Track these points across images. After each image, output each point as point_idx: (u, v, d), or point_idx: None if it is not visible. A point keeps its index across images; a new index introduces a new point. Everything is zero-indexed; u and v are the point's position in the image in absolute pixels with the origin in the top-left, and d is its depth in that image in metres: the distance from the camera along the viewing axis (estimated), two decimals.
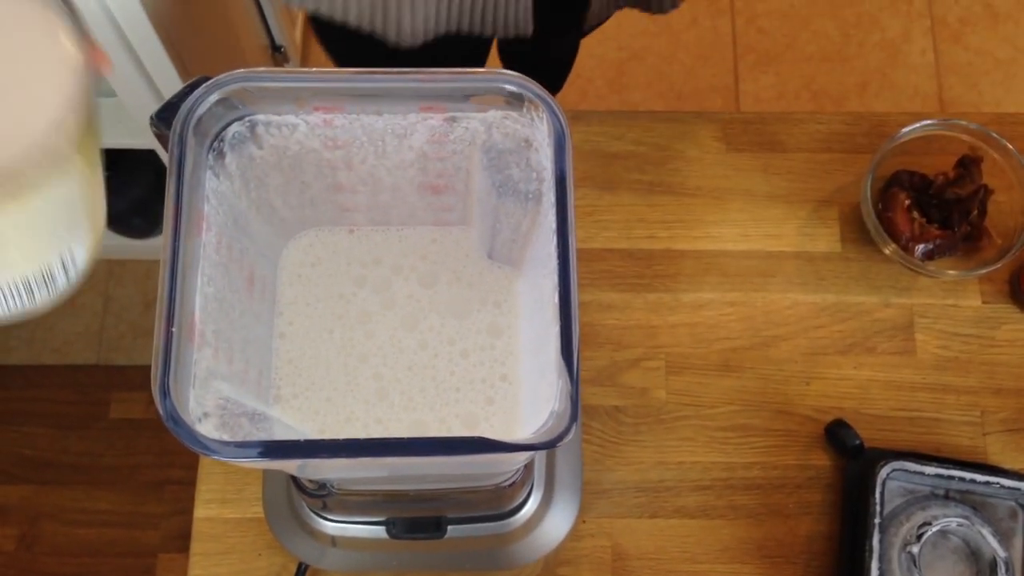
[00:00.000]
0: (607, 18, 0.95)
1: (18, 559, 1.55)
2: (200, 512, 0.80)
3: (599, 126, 0.92)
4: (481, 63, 0.98)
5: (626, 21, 1.75)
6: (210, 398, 0.48)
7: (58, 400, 1.63)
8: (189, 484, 0.81)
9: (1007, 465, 0.82)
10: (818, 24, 1.86)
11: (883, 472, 0.77)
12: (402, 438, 0.42)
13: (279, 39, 1.59)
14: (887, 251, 0.84)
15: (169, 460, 1.58)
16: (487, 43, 0.78)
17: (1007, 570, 0.74)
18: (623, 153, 0.91)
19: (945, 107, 1.79)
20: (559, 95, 1.43)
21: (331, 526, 0.71)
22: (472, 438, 0.44)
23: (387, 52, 0.77)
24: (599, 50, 1.83)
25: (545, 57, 1.21)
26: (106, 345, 1.65)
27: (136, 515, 1.56)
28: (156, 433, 1.58)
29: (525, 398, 0.58)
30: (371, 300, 0.61)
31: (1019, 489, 0.77)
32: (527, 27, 0.77)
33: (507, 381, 0.59)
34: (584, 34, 0.99)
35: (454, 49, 0.78)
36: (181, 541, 0.80)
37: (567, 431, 0.43)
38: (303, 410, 0.57)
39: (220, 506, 0.81)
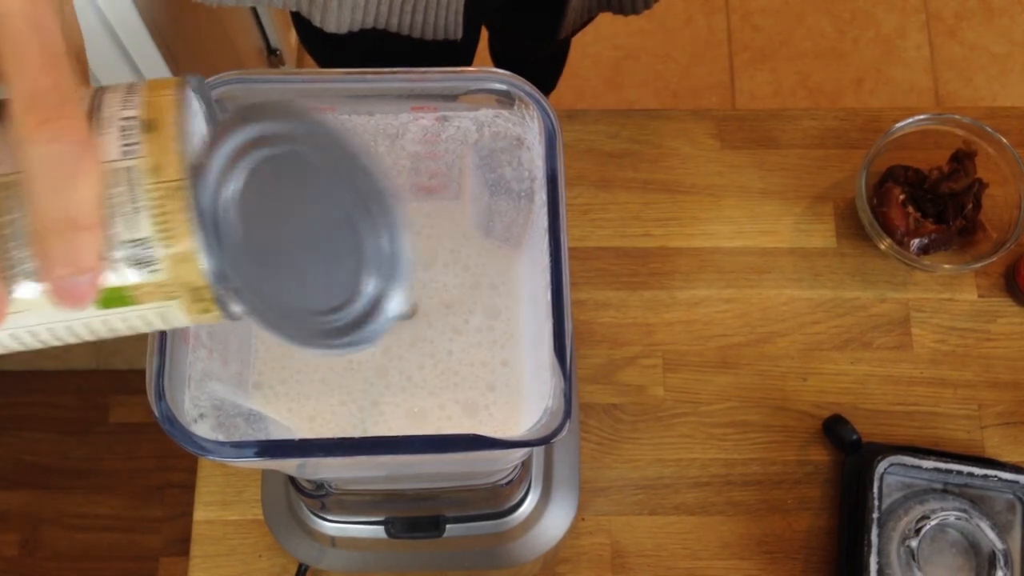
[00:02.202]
0: (585, 24, 0.95)
1: (20, 564, 1.55)
2: (200, 514, 0.81)
3: (594, 125, 0.92)
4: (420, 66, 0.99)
5: (620, 21, 1.76)
6: (205, 399, 0.48)
7: (58, 405, 1.63)
8: (190, 487, 0.81)
9: (1005, 458, 0.82)
10: (813, 20, 1.86)
11: (881, 466, 0.77)
12: (395, 436, 0.43)
13: (274, 42, 1.60)
14: (882, 246, 0.84)
15: (170, 464, 1.58)
16: (420, 47, 0.78)
17: (1006, 563, 0.74)
18: (618, 151, 0.91)
19: (941, 102, 1.80)
20: (555, 94, 1.43)
21: (330, 526, 0.71)
22: (466, 435, 0.44)
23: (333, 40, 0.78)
24: (595, 49, 1.83)
25: (535, 57, 1.22)
26: (105, 349, 1.65)
27: (138, 519, 1.57)
28: (157, 437, 1.58)
29: (528, 385, 0.58)
30: None
31: (1017, 482, 0.77)
32: (457, 32, 0.78)
33: (508, 366, 0.58)
34: (566, 39, 1.00)
35: (388, 46, 0.79)
36: (183, 545, 0.80)
37: (561, 428, 0.43)
38: (289, 395, 0.56)
39: (220, 508, 0.81)
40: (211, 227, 0.34)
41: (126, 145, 0.33)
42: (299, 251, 0.38)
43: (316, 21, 0.76)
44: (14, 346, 0.37)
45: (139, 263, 0.34)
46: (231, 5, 0.76)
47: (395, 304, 0.39)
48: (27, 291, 0.34)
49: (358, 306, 0.39)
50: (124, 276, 0.34)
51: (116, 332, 0.37)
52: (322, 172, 0.38)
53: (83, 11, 1.15)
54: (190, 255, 0.34)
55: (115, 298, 0.35)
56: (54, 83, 0.32)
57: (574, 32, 0.98)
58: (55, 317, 0.35)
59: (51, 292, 0.33)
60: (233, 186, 0.35)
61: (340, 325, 0.39)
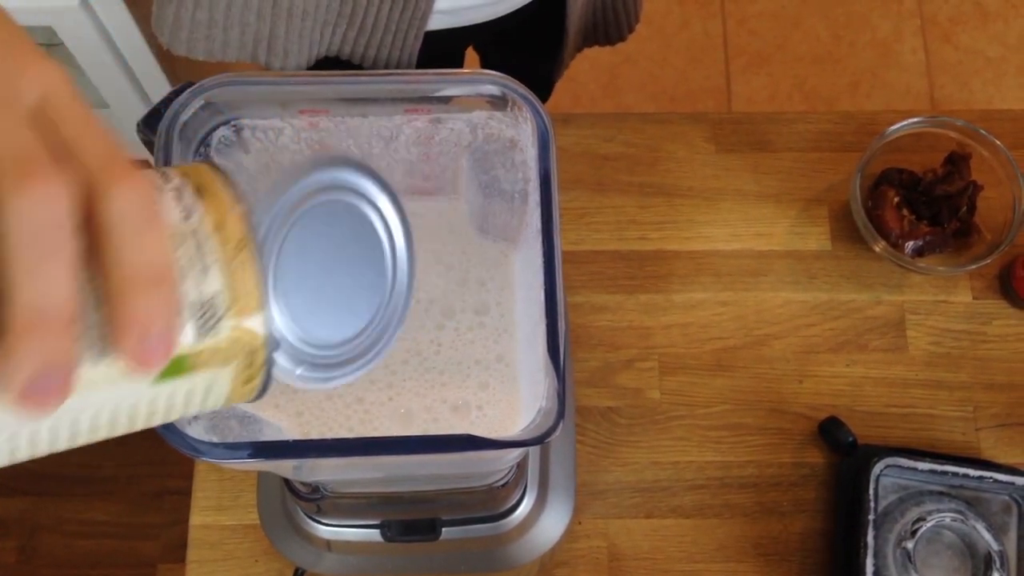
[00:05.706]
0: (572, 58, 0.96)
1: (18, 571, 1.55)
2: (196, 519, 0.81)
3: (590, 128, 0.92)
4: None
5: None
6: None
7: None
8: (188, 494, 0.81)
9: (1000, 460, 0.82)
10: (808, 25, 1.86)
11: (877, 468, 0.77)
12: (388, 437, 0.43)
13: None
14: (877, 248, 0.85)
15: (168, 470, 1.58)
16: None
17: (1002, 564, 0.74)
18: (614, 155, 0.91)
19: (936, 106, 1.80)
20: (552, 99, 1.44)
21: (326, 530, 0.71)
22: (459, 436, 0.44)
23: None
24: (592, 54, 1.82)
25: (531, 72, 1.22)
26: None
27: (135, 526, 1.56)
28: (154, 443, 1.57)
29: (524, 386, 0.57)
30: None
31: (1012, 483, 0.77)
32: (411, 65, 0.78)
33: (503, 362, 0.58)
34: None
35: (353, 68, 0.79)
36: (181, 551, 0.80)
37: (554, 428, 0.43)
38: (276, 390, 0.55)
39: (216, 513, 0.81)
40: (270, 281, 0.36)
41: (183, 208, 0.33)
42: (327, 288, 0.42)
43: (276, 66, 0.75)
44: (39, 446, 0.34)
45: (206, 323, 0.32)
46: (200, 59, 0.76)
47: (387, 348, 0.43)
48: (97, 364, 0.31)
49: (359, 342, 0.42)
50: (188, 339, 0.32)
51: (150, 417, 0.35)
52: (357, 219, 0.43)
53: (81, 20, 1.16)
54: (256, 310, 0.33)
55: (174, 366, 0.33)
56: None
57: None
58: (107, 397, 0.32)
59: (127, 354, 0.29)
60: (284, 238, 0.39)
61: (339, 360, 0.42)
